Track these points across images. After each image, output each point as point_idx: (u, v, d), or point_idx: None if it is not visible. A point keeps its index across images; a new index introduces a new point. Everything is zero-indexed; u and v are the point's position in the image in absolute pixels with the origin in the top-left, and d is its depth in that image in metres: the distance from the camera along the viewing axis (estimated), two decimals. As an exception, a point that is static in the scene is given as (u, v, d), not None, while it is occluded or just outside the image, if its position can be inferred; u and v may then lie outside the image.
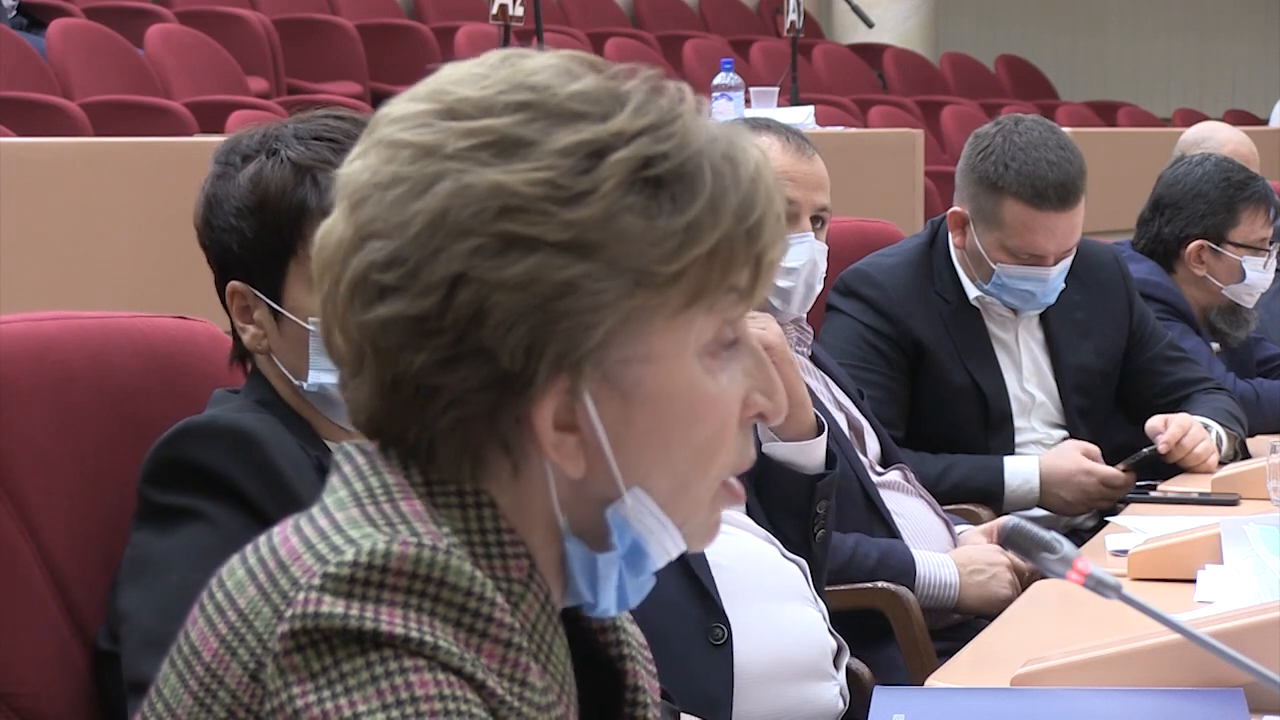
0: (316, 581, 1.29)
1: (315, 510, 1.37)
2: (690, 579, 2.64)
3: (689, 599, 2.64)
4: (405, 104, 1.38)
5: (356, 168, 1.37)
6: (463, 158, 1.33)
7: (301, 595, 1.29)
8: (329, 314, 1.38)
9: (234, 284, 2.20)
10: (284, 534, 1.35)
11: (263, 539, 1.37)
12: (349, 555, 1.29)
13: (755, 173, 1.37)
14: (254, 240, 2.17)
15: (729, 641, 2.64)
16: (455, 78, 1.38)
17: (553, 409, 1.34)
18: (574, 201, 1.32)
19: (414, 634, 1.27)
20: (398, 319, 1.33)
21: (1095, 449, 3.91)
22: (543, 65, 1.38)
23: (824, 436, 2.88)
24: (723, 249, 1.35)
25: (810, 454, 2.87)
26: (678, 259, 1.33)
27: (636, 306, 1.33)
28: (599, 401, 1.35)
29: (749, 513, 2.86)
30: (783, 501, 2.86)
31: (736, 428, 1.40)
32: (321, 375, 2.16)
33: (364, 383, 1.37)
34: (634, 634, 1.52)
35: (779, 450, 2.87)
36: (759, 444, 2.89)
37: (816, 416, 2.89)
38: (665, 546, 1.40)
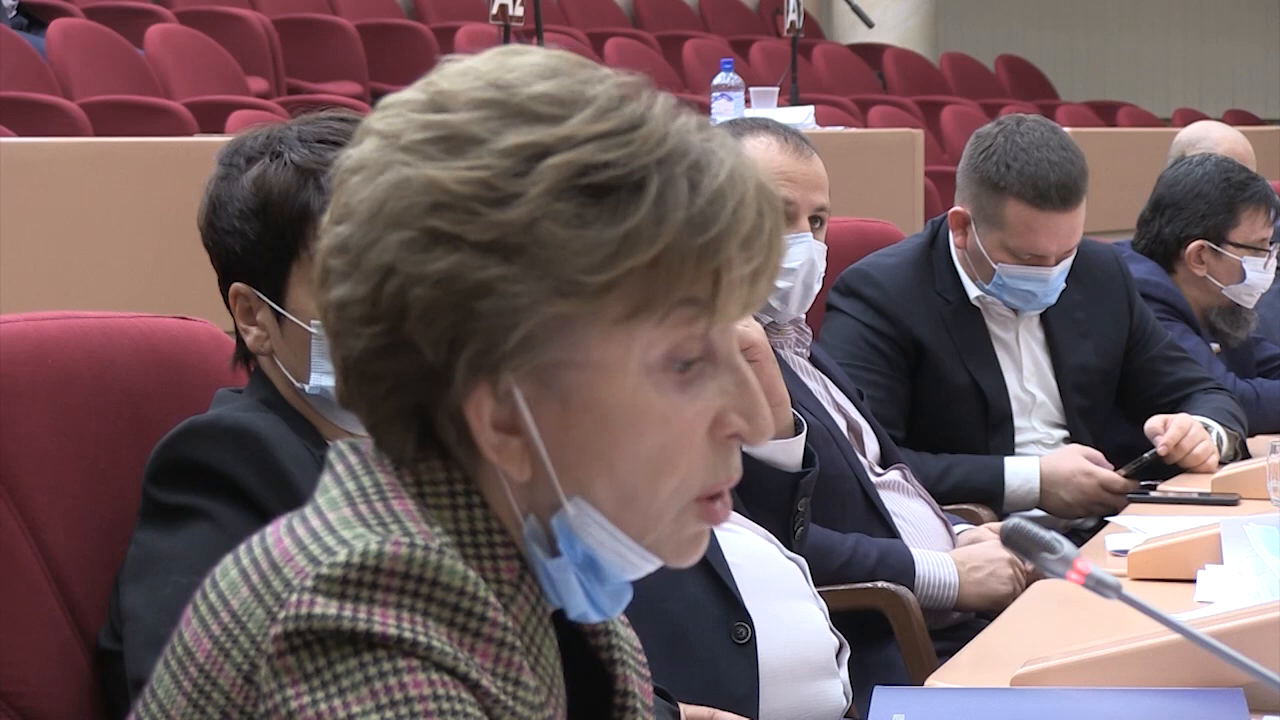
0: (309, 583, 1.29)
1: (308, 510, 1.37)
2: (712, 579, 2.64)
3: (712, 599, 2.64)
4: (403, 92, 1.40)
5: (351, 152, 1.39)
6: (413, 150, 1.34)
7: (294, 596, 1.29)
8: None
9: (237, 285, 2.21)
10: (276, 534, 1.35)
11: (255, 539, 1.37)
12: (341, 556, 1.30)
13: (724, 186, 1.34)
14: (257, 242, 2.17)
15: (753, 640, 2.64)
16: (451, 70, 1.39)
17: (489, 409, 1.34)
18: (502, 203, 1.31)
19: (407, 634, 1.27)
20: (345, 303, 1.35)
21: (1098, 454, 3.91)
22: (524, 63, 1.37)
23: (803, 435, 2.87)
24: (667, 261, 1.32)
25: (790, 452, 2.86)
26: (608, 269, 1.31)
27: (562, 313, 1.32)
28: (535, 404, 1.34)
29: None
30: (764, 500, 2.86)
31: (704, 445, 1.37)
32: (323, 378, 2.16)
33: (334, 362, 1.39)
34: (628, 638, 1.51)
35: (760, 449, 2.88)
36: None
37: (795, 416, 2.89)
38: (626, 559, 1.38)
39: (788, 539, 2.85)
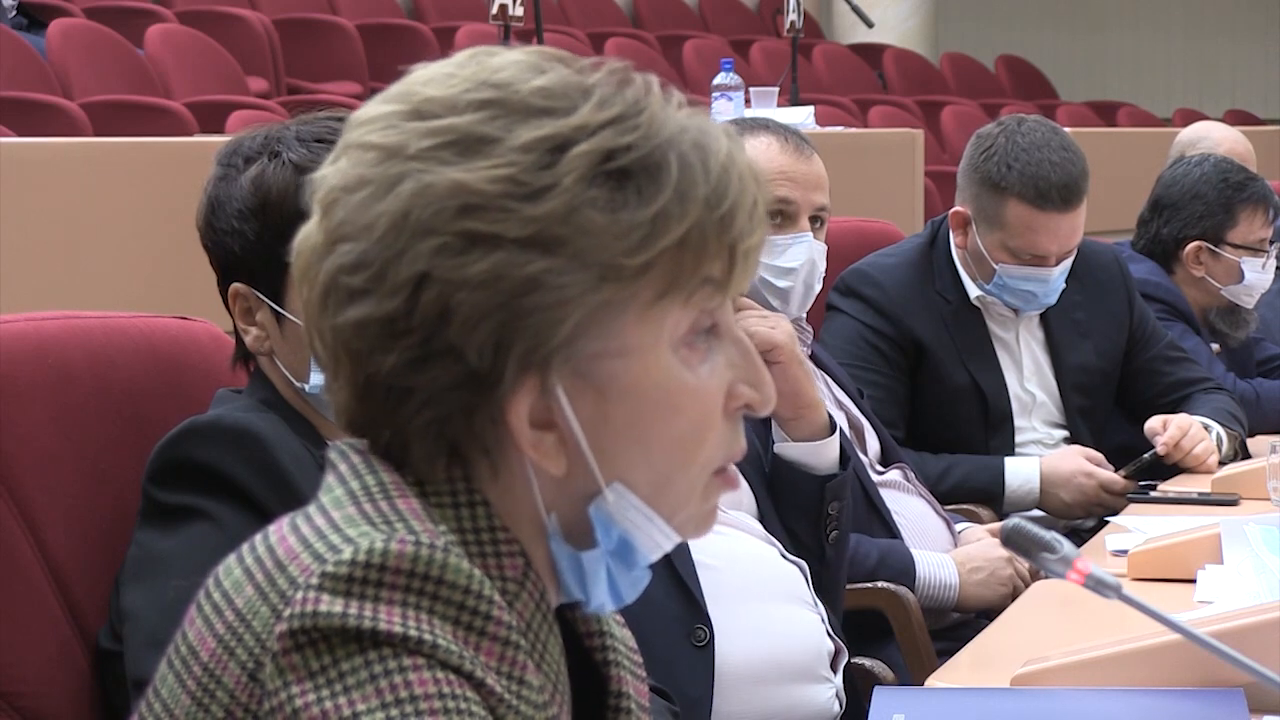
0: (315, 580, 1.29)
1: (312, 509, 1.37)
2: (675, 580, 2.63)
3: (673, 600, 2.63)
4: (375, 106, 1.39)
5: (329, 172, 1.38)
6: (424, 158, 1.34)
7: (300, 594, 1.29)
8: (309, 319, 1.39)
9: (236, 286, 2.21)
10: (280, 533, 1.35)
11: (259, 537, 1.37)
12: (347, 554, 1.30)
13: (727, 161, 1.37)
14: (256, 242, 2.17)
15: (711, 643, 2.63)
16: (424, 78, 1.39)
17: (527, 406, 1.34)
18: (535, 197, 1.32)
19: (413, 632, 1.27)
20: (367, 321, 1.34)
21: (1099, 455, 3.91)
22: (509, 62, 1.38)
23: (835, 436, 2.88)
24: (693, 239, 1.34)
25: (821, 455, 2.87)
26: (645, 250, 1.33)
27: (605, 300, 1.33)
28: (574, 397, 1.35)
29: (762, 515, 2.86)
30: (794, 503, 2.86)
31: (720, 419, 1.39)
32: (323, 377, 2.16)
33: (342, 386, 1.38)
34: (623, 639, 1.52)
35: (790, 451, 2.88)
36: (771, 445, 2.90)
37: (830, 417, 2.89)
38: (655, 540, 1.39)
39: (820, 543, 2.84)
